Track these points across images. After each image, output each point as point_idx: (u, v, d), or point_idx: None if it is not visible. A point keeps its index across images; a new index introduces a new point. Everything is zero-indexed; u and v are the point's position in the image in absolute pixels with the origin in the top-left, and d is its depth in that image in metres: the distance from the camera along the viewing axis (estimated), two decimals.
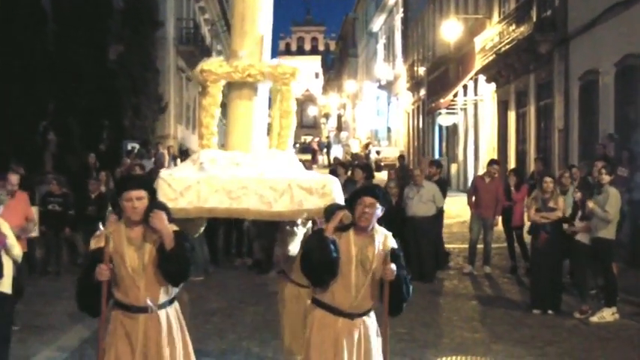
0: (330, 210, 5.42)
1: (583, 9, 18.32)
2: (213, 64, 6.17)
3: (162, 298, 5.06)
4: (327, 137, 78.72)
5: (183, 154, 25.08)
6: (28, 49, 23.48)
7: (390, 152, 39.44)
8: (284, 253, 6.50)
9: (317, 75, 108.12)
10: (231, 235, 14.96)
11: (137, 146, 23.70)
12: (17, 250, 8.24)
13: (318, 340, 5.19)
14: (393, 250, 5.21)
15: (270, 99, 6.80)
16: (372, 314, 5.30)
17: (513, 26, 21.59)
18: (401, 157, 25.93)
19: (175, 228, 5.04)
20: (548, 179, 11.24)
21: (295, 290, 6.63)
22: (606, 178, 11.17)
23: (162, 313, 5.04)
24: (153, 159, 21.41)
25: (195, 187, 5.43)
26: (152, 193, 5.11)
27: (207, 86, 6.07)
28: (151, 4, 27.58)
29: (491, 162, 15.62)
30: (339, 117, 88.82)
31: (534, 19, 20.05)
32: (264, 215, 5.70)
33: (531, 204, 11.27)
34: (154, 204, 5.05)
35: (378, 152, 40.93)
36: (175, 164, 21.60)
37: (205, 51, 37.34)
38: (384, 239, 5.24)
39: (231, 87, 6.23)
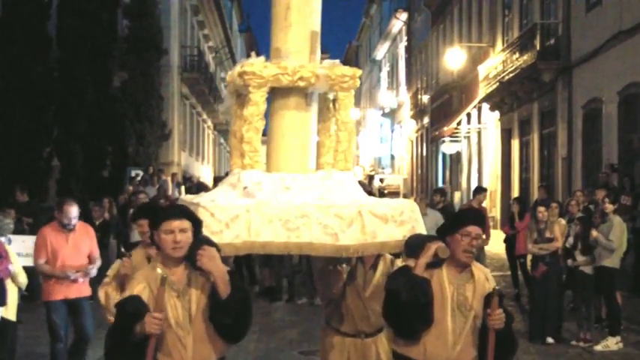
0: (415, 243, 4.43)
1: (586, 37, 18.45)
2: (256, 65, 4.81)
3: (213, 357, 4.04)
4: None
5: (187, 181, 25.16)
6: (32, 74, 23.69)
7: (393, 180, 39.43)
8: (325, 296, 5.41)
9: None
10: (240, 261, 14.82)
11: (141, 173, 23.78)
12: (22, 278, 8.31)
13: None
14: (496, 290, 4.25)
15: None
16: None
17: (517, 54, 21.64)
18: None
19: (227, 268, 4.05)
20: (541, 208, 11.16)
21: (340, 340, 5.27)
22: (610, 207, 11.22)
23: None
24: (157, 186, 21.50)
25: (245, 216, 4.25)
26: (197, 224, 4.04)
27: (250, 92, 4.76)
28: (156, 32, 27.73)
29: (477, 190, 16.11)
30: (337, 144, 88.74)
31: (538, 48, 20.13)
32: (328, 250, 4.50)
33: (527, 233, 11.19)
34: (199, 239, 4.02)
35: (381, 180, 40.92)
36: (180, 192, 21.64)
37: (209, 78, 37.57)
38: (484, 276, 4.39)
39: (275, 93, 4.92)
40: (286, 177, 4.72)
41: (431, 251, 4.20)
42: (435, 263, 4.23)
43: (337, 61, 5.03)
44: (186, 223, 3.94)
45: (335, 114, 5.08)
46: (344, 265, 5.06)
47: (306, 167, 4.96)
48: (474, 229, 4.26)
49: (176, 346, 3.92)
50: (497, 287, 4.28)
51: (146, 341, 3.80)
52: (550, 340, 10.53)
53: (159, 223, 3.97)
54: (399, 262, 5.07)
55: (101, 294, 5.65)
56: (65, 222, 7.76)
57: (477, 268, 4.38)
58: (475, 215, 4.60)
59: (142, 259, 5.39)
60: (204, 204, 4.35)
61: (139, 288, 3.93)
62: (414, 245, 4.41)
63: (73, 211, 7.79)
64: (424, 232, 4.71)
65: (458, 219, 4.49)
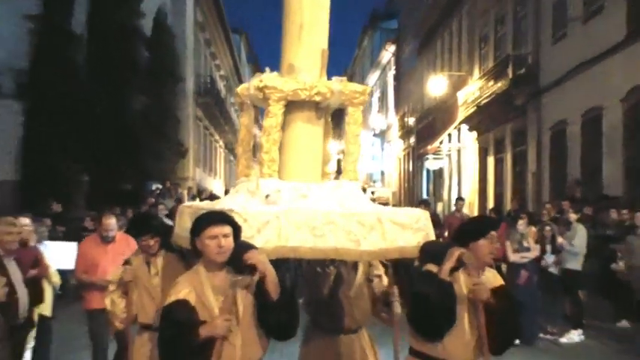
0: (435, 249, 4.29)
1: (553, 67, 18.56)
2: (276, 80, 4.56)
3: (260, 355, 3.81)
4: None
5: (201, 193, 25.24)
6: (61, 100, 23.84)
7: (383, 192, 39.54)
8: (312, 296, 5.19)
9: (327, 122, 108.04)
10: None
11: (160, 187, 23.85)
12: (56, 279, 8.33)
13: None
14: (501, 285, 4.21)
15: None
16: None
17: (492, 82, 21.66)
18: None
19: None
20: (521, 222, 11.16)
21: (326, 337, 5.06)
22: (573, 216, 11.41)
23: None
24: (174, 198, 21.59)
25: (275, 222, 3.98)
26: (237, 229, 3.76)
27: (270, 105, 4.50)
28: (173, 62, 27.87)
29: (458, 201, 16.28)
30: (339, 161, 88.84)
31: (510, 76, 20.13)
32: (351, 255, 4.27)
33: (507, 243, 11.04)
34: (242, 243, 3.76)
35: (372, 192, 40.91)
36: None
37: (220, 103, 37.68)
38: (493, 277, 4.24)
39: (289, 106, 4.61)
40: (302, 186, 4.49)
41: (454, 257, 4.00)
42: (454, 268, 4.05)
43: (344, 78, 4.83)
44: (227, 229, 3.70)
45: (346, 127, 4.88)
46: (331, 268, 4.89)
47: (317, 176, 4.80)
48: (495, 233, 4.19)
49: (226, 347, 3.65)
50: (503, 284, 4.24)
51: (206, 344, 3.57)
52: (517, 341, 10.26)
53: (201, 230, 3.71)
54: (377, 264, 5.02)
55: (107, 301, 5.49)
56: (104, 234, 7.49)
57: (488, 270, 4.26)
58: (495, 221, 4.58)
59: (142, 264, 5.32)
60: (239, 210, 4.02)
61: (184, 292, 3.66)
62: (433, 251, 4.24)
63: (111, 223, 7.48)
64: (434, 238, 4.59)
65: (484, 226, 4.25)
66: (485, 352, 4.01)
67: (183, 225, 4.56)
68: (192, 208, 4.62)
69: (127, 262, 5.43)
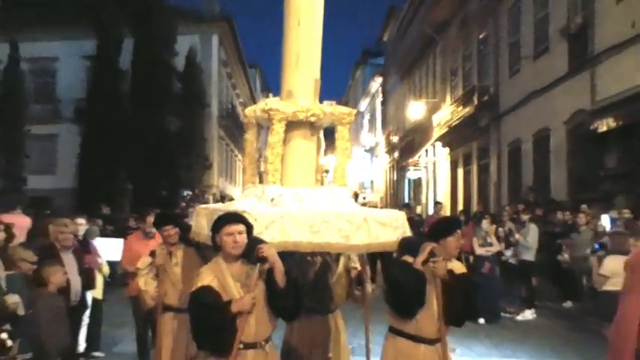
0: (411, 243, 4.26)
1: (510, 95, 18.60)
2: (279, 103, 4.55)
3: (269, 332, 3.77)
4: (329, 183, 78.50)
5: (223, 198, 25.28)
6: (111, 123, 23.96)
7: (373, 197, 39.50)
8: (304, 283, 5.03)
9: (320, 138, 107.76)
10: None
11: (190, 193, 23.88)
12: (106, 268, 8.31)
13: None
14: (464, 272, 4.18)
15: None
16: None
17: (461, 107, 21.67)
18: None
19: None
20: (485, 222, 11.14)
21: (308, 317, 4.80)
22: (525, 216, 11.42)
23: (268, 347, 3.74)
24: (201, 202, 21.59)
25: (280, 221, 3.97)
26: (249, 227, 3.73)
27: (273, 124, 4.46)
28: (201, 92, 27.95)
29: (436, 204, 16.24)
30: (335, 165, 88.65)
31: (476, 102, 20.15)
32: (342, 248, 4.27)
33: (474, 239, 10.99)
34: (255, 239, 3.74)
35: (364, 197, 40.85)
36: None
37: (239, 125, 37.71)
38: (459, 267, 4.21)
39: (290, 125, 4.56)
40: (300, 190, 4.43)
41: (427, 251, 3.94)
42: (426, 260, 3.97)
43: (334, 102, 4.78)
44: (242, 227, 3.67)
45: (336, 143, 4.81)
46: (317, 257, 4.78)
47: (312, 182, 4.70)
48: (460, 232, 4.21)
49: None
50: (464, 272, 4.20)
51: (233, 320, 3.55)
52: (482, 320, 10.03)
53: (220, 228, 3.68)
54: (355, 258, 4.94)
55: (141, 282, 5.28)
56: (147, 230, 7.27)
57: (453, 261, 4.20)
58: (461, 221, 4.40)
59: (165, 254, 5.23)
60: (250, 211, 3.97)
61: (208, 279, 3.62)
62: (409, 245, 4.19)
63: (149, 220, 7.08)
64: (409, 234, 4.54)
65: (452, 225, 4.22)
66: (440, 323, 3.96)
67: (200, 223, 4.49)
68: (207, 209, 4.56)
69: (152, 253, 5.31)
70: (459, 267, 4.18)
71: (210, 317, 3.53)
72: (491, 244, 10.77)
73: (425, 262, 3.92)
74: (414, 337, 3.96)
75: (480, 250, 10.81)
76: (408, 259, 4.03)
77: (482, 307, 10.21)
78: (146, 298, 5.32)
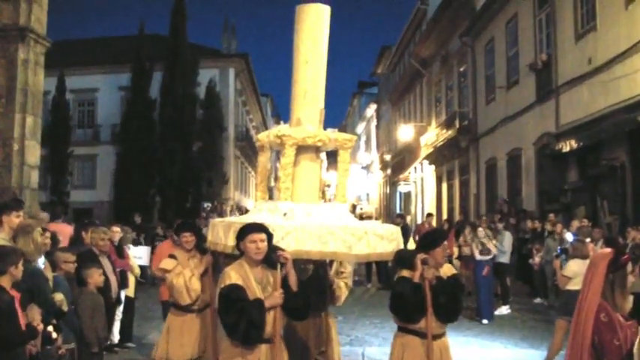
0: (403, 255, 4.16)
1: (486, 121, 18.64)
2: (290, 130, 4.52)
3: (280, 329, 3.72)
4: (330, 199, 78.34)
5: (239, 209, 25.32)
6: (142, 145, 24.07)
7: (368, 208, 39.44)
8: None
9: (322, 160, 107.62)
10: None
11: (210, 205, 23.89)
12: (137, 270, 8.29)
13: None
14: (453, 274, 4.14)
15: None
16: (446, 335, 4.11)
17: (444, 130, 21.68)
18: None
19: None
20: (480, 229, 10.63)
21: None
22: (500, 225, 11.39)
23: (278, 342, 3.64)
24: (220, 213, 21.61)
25: (294, 233, 3.97)
26: (270, 236, 3.70)
27: (285, 148, 4.44)
28: (220, 117, 28.06)
29: (428, 215, 16.13)
30: (337, 185, 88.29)
31: (457, 126, 20.20)
32: (346, 257, 4.23)
33: (473, 246, 10.42)
34: (275, 247, 3.70)
35: (361, 208, 40.80)
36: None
37: (252, 146, 37.75)
38: (449, 269, 4.17)
39: (299, 149, 4.54)
40: (307, 206, 4.38)
41: (420, 264, 3.90)
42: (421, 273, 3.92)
43: (336, 130, 4.57)
44: (264, 236, 3.62)
45: (337, 165, 4.80)
46: (310, 266, 4.67)
47: (316, 199, 4.65)
48: (446, 243, 4.20)
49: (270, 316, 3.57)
50: (455, 273, 4.17)
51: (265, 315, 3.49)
52: (485, 321, 9.63)
53: (245, 236, 3.63)
54: (345, 264, 4.87)
55: (180, 280, 4.86)
56: (176, 238, 6.81)
57: (446, 266, 4.18)
58: (445, 233, 4.57)
59: (184, 257, 5.01)
60: (270, 223, 3.91)
61: (235, 278, 3.55)
62: (404, 257, 4.13)
63: None
64: (403, 247, 4.55)
65: (438, 237, 4.18)
66: (429, 315, 3.91)
67: (216, 234, 4.41)
68: (224, 222, 4.51)
69: (172, 256, 5.07)
70: (448, 269, 4.16)
71: (245, 312, 3.43)
72: (489, 250, 10.39)
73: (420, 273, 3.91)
74: (419, 334, 3.93)
75: (479, 256, 10.31)
76: (407, 273, 4.00)
77: (484, 305, 9.84)
78: (192, 294, 4.86)
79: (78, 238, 7.30)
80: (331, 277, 4.82)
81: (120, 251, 7.61)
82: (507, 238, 11.07)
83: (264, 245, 3.60)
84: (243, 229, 3.68)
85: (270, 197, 4.73)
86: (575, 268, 6.40)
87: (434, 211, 24.58)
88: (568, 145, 12.53)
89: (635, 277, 3.92)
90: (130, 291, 7.86)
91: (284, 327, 4.71)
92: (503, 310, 10.60)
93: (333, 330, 4.82)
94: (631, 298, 3.25)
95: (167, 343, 4.92)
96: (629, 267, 3.04)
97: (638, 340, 2.87)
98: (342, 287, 4.85)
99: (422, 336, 3.90)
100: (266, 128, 49.15)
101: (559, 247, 9.23)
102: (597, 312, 2.92)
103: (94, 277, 5.39)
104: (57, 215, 10.38)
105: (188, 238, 5.09)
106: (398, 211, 32.04)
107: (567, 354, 3.09)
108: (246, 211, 23.00)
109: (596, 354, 2.92)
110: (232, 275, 3.55)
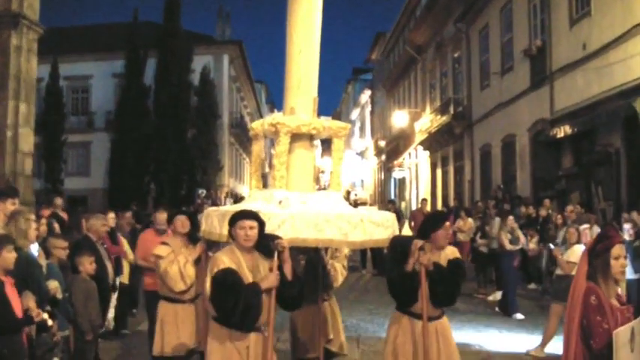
0: (400, 242, 4.10)
1: (480, 107, 18.62)
2: (285, 118, 4.48)
3: (273, 320, 3.63)
4: (324, 186, 78.46)
5: (234, 196, 25.28)
6: (137, 132, 23.94)
7: (363, 194, 39.53)
8: None
9: (316, 146, 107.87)
10: None
11: (204, 191, 23.86)
12: (132, 257, 8.31)
13: (401, 341, 3.97)
14: (456, 257, 4.05)
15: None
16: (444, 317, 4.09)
17: (439, 116, 21.65)
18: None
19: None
20: (511, 218, 10.01)
21: (306, 306, 4.50)
22: (493, 211, 11.39)
23: (267, 332, 3.58)
24: (214, 199, 21.57)
25: (290, 221, 3.90)
26: (262, 224, 3.62)
27: (280, 136, 4.39)
28: (214, 104, 27.91)
29: (422, 200, 16.15)
30: (331, 173, 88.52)
31: (452, 112, 20.15)
32: (342, 244, 4.24)
33: (502, 236, 9.83)
34: (266, 235, 3.62)
35: (355, 194, 40.94)
36: (229, 203, 21.70)
37: (247, 132, 37.60)
38: (452, 253, 4.08)
39: (294, 137, 4.50)
40: (302, 194, 4.32)
41: (416, 252, 3.82)
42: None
43: (330, 117, 4.50)
44: (254, 223, 3.57)
45: (332, 154, 4.74)
46: (303, 262, 4.64)
47: (311, 188, 4.60)
48: (448, 223, 4.15)
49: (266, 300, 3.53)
50: (457, 257, 4.07)
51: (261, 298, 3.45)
52: (520, 315, 9.15)
53: (235, 222, 3.59)
54: (338, 253, 4.87)
55: (175, 267, 4.78)
56: (158, 227, 6.39)
57: (449, 248, 4.12)
58: (446, 214, 4.37)
59: (178, 244, 4.92)
60: (265, 211, 3.88)
61: (227, 262, 3.50)
62: (399, 243, 4.07)
63: (163, 218, 6.18)
64: (398, 233, 4.47)
65: (439, 220, 4.16)
66: (424, 300, 3.88)
67: (210, 223, 4.36)
68: (218, 211, 4.44)
69: (164, 243, 4.97)
70: (451, 252, 4.10)
71: (241, 296, 3.37)
72: (518, 239, 9.99)
73: (415, 260, 3.85)
74: (414, 315, 3.93)
75: (509, 247, 9.82)
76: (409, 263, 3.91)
77: (513, 300, 9.33)
78: (187, 280, 4.77)
79: (72, 226, 7.25)
80: (326, 259, 4.79)
81: (114, 238, 7.54)
82: (498, 225, 11.06)
83: (253, 232, 3.54)
84: (233, 216, 3.64)
85: (264, 186, 4.67)
86: (580, 253, 6.38)
87: (428, 198, 24.65)
88: (562, 131, 12.52)
89: None
90: (124, 277, 7.83)
91: (290, 318, 4.77)
92: (498, 295, 10.61)
93: (338, 318, 4.80)
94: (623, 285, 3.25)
95: (162, 337, 4.88)
96: (618, 252, 3.03)
97: (628, 325, 2.87)
98: (338, 268, 4.84)
99: (417, 317, 3.89)
100: (261, 115, 49.01)
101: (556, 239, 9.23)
102: (587, 295, 2.94)
103: (85, 265, 5.35)
104: (51, 202, 10.29)
105: (184, 221, 4.99)
106: (392, 197, 32.08)
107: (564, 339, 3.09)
108: (241, 198, 23.01)
109: (584, 336, 2.92)
110: (225, 260, 3.49)
